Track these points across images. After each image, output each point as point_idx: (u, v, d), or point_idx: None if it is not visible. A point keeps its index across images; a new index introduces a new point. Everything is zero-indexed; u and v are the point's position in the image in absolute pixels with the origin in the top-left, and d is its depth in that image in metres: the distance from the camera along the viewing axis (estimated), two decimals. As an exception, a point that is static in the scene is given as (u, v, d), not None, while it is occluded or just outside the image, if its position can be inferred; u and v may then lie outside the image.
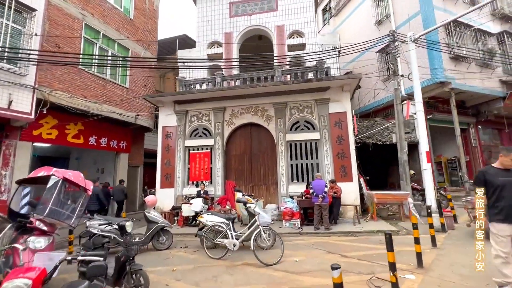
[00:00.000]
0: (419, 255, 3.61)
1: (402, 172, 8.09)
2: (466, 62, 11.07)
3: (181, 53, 11.44)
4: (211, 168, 8.80)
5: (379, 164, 13.14)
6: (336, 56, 9.91)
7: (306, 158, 8.34)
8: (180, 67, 11.09)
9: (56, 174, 3.42)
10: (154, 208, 6.07)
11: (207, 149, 8.95)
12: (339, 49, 10.01)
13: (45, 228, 3.23)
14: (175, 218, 8.07)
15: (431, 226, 4.62)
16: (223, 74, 9.04)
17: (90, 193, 3.91)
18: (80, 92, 8.70)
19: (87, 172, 12.34)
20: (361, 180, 8.27)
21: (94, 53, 9.28)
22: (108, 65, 9.56)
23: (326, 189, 6.28)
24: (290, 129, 8.49)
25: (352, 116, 8.14)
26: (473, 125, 13.32)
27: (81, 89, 8.75)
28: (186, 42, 14.22)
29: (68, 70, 8.33)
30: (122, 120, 10.27)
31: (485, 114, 13.14)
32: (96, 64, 9.14)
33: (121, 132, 11.05)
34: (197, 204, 6.73)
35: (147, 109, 11.45)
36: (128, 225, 3.18)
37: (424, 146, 7.68)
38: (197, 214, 6.82)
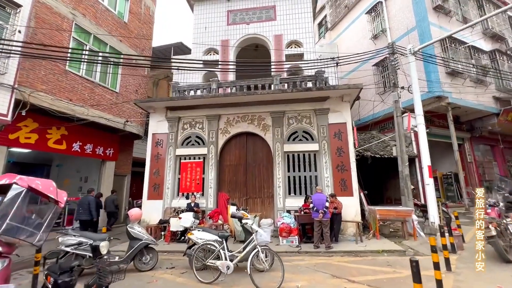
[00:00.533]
0: (439, 283, 3.18)
1: (404, 186, 7.77)
2: (461, 78, 11.14)
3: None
4: (203, 179, 8.26)
5: (375, 178, 12.88)
6: (334, 66, 9.77)
7: (304, 170, 7.94)
8: (175, 67, 10.70)
9: (19, 182, 2.87)
10: (138, 222, 5.47)
11: (199, 158, 8.44)
12: (338, 58, 9.91)
13: (-1, 248, 2.65)
14: (162, 233, 7.42)
15: (444, 247, 4.22)
16: (218, 80, 8.69)
17: (62, 205, 3.34)
18: (65, 95, 8.15)
19: (69, 181, 11.57)
20: (362, 194, 7.89)
21: (84, 54, 8.81)
22: (94, 61, 9.07)
23: (327, 204, 5.85)
24: (288, 140, 8.13)
25: (353, 128, 7.86)
26: (468, 141, 13.34)
27: (67, 91, 8.20)
28: (182, 50, 13.95)
29: (53, 70, 7.81)
30: (110, 126, 9.70)
31: (479, 130, 13.20)
32: (85, 61, 8.61)
33: (109, 138, 10.44)
34: (187, 219, 6.14)
35: (137, 115, 10.92)
36: (103, 246, 2.64)
37: (426, 160, 7.43)
38: (186, 229, 6.23)
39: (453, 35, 11.15)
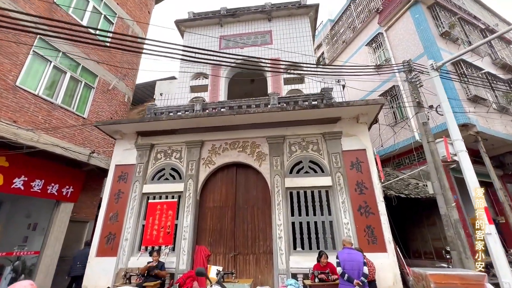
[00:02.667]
0: None
1: (454, 237, 5.56)
2: (485, 105, 9.79)
3: (160, 85, 9.81)
4: (176, 226, 6.04)
5: (395, 225, 10.55)
6: (340, 90, 8.40)
7: (315, 214, 5.81)
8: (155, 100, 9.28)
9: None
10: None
11: (173, 197, 6.35)
12: (344, 80, 8.60)
13: None
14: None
15: None
16: (204, 100, 7.14)
17: None
18: (8, 115, 6.45)
19: (15, 228, 9.12)
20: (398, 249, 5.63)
21: (45, 72, 7.41)
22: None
23: (365, 269, 3.66)
24: (290, 172, 6.19)
25: (374, 155, 6.02)
26: (500, 179, 11.41)
27: (11, 111, 6.53)
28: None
29: (-5, 84, 6.27)
30: (69, 157, 7.80)
31: (510, 167, 11.40)
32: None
33: (68, 174, 8.40)
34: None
35: (109, 145, 9.11)
36: None
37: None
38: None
39: (468, 61, 10.22)
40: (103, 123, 6.50)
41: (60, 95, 7.78)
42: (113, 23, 10.05)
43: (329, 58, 16.87)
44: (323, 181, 5.93)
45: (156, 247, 5.77)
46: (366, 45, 13.36)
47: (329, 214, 5.76)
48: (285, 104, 6.69)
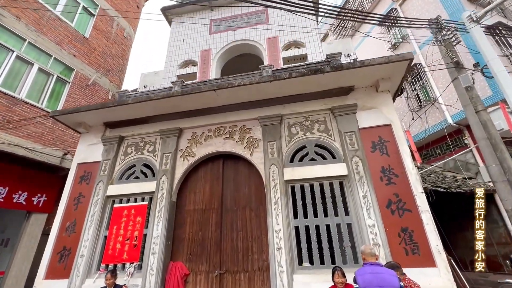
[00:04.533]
0: None
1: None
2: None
3: (145, 77, 8.73)
4: (145, 236, 4.66)
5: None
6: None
7: (326, 215, 4.25)
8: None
9: None
10: None
11: (143, 200, 5.00)
12: (354, 54, 7.11)
13: None
14: None
15: None
16: (183, 82, 5.88)
17: None
18: (-47, 109, 5.48)
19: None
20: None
21: (5, 63, 6.47)
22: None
23: None
24: (291, 160, 4.70)
25: (404, 131, 4.43)
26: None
27: (-43, 104, 5.56)
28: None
29: None
30: (38, 160, 6.73)
31: None
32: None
33: (41, 180, 7.33)
34: None
35: (87, 148, 8.01)
36: None
37: None
38: None
39: (509, 25, 8.45)
40: (60, 112, 5.35)
41: (25, 88, 6.79)
42: (94, 15, 9.18)
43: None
44: (335, 169, 4.39)
45: (111, 266, 4.39)
46: (377, 25, 11.83)
47: (346, 213, 4.18)
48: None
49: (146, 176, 5.21)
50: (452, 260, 4.16)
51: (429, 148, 9.74)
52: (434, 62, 7.60)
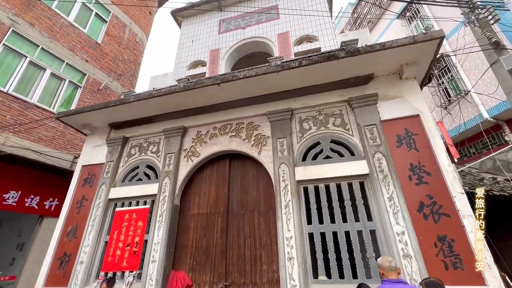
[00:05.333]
0: None
1: None
2: None
3: (154, 79, 8.64)
4: (146, 242, 4.33)
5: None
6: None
7: (344, 220, 3.69)
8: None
9: None
10: None
11: (145, 203, 4.70)
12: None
13: None
14: None
15: None
16: (188, 79, 5.61)
17: None
18: (-34, 114, 5.57)
19: (6, 248, 8.26)
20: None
21: (18, 68, 6.58)
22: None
23: None
24: (304, 159, 4.20)
25: (436, 123, 3.80)
26: None
27: (-30, 109, 5.65)
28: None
29: (-49, 78, 5.44)
30: (49, 164, 6.73)
31: None
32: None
33: (52, 184, 7.34)
34: None
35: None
36: None
37: None
38: None
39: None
40: (64, 114, 5.25)
41: (37, 93, 6.87)
42: (106, 21, 9.32)
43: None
44: (355, 167, 3.83)
45: (110, 275, 4.08)
46: (397, 18, 11.10)
47: (369, 218, 3.59)
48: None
49: (149, 178, 4.93)
50: (506, 277, 3.41)
51: (462, 147, 8.77)
52: (465, 50, 6.81)
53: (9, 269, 7.44)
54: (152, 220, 4.38)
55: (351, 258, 3.45)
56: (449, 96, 8.74)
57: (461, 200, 3.19)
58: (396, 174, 3.57)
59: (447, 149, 3.71)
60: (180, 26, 9.72)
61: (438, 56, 4.64)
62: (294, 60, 5.02)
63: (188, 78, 5.65)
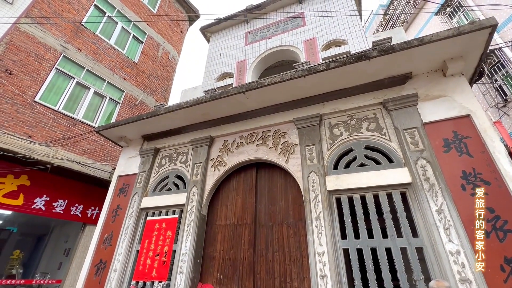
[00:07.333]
0: None
1: None
2: None
3: (185, 93, 9.01)
4: (174, 252, 4.32)
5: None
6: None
7: (385, 235, 3.29)
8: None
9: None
10: None
11: (174, 213, 4.75)
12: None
13: None
14: None
15: None
16: (214, 90, 5.70)
17: None
18: (24, 130, 6.26)
19: (49, 254, 9.01)
20: None
21: (67, 88, 7.33)
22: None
23: None
24: (335, 167, 3.90)
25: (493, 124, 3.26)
26: None
27: (28, 126, 6.34)
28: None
29: (13, 99, 6.21)
30: (92, 175, 7.27)
31: None
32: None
33: (94, 193, 7.90)
34: None
35: (134, 163, 8.44)
36: None
37: None
38: None
39: None
40: (103, 127, 5.64)
41: (82, 110, 7.55)
42: (142, 42, 10.07)
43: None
44: (394, 176, 3.43)
45: (141, 284, 4.10)
46: (436, 14, 10.30)
47: (414, 234, 3.15)
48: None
49: (178, 187, 5.00)
50: None
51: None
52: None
53: (56, 273, 8.05)
54: (180, 230, 4.38)
55: (394, 279, 3.03)
56: (505, 95, 7.71)
57: (533, 215, 2.64)
58: (445, 183, 3.11)
59: (510, 154, 3.15)
60: (208, 41, 10.12)
61: (488, 50, 4.08)
62: (322, 64, 4.82)
63: (215, 89, 5.75)
